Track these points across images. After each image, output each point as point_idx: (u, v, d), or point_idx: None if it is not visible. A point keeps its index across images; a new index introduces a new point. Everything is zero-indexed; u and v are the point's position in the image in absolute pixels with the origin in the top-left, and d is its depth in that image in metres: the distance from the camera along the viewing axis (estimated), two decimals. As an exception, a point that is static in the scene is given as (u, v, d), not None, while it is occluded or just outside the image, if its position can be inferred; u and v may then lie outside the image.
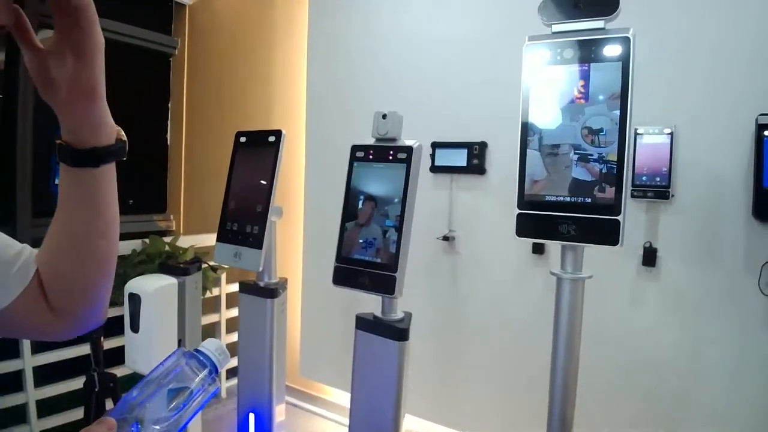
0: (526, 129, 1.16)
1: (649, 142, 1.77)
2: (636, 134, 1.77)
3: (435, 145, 2.29)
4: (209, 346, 0.64)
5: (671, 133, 1.75)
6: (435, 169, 2.30)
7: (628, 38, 1.04)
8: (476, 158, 2.20)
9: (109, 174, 0.62)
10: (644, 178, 1.79)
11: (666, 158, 1.75)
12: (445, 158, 2.28)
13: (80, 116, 0.57)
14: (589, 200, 1.09)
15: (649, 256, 1.82)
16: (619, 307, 1.91)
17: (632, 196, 1.79)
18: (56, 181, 2.13)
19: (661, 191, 1.77)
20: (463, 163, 2.23)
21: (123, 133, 0.63)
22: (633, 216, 1.84)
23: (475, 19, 2.23)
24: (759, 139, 1.60)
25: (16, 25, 0.52)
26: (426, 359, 2.34)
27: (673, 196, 1.77)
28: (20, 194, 2.78)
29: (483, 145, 2.19)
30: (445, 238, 2.29)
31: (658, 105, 1.79)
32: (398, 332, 1.41)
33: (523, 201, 1.17)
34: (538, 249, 2.08)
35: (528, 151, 1.15)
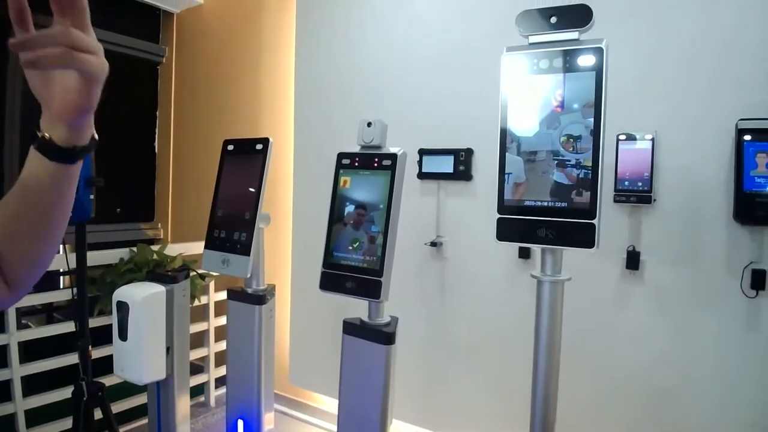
0: (505, 136, 1.18)
1: (631, 148, 1.81)
2: (618, 140, 1.80)
3: (422, 152, 2.32)
4: None
5: (653, 139, 1.78)
6: (422, 175, 2.33)
7: (601, 48, 1.07)
8: (463, 165, 2.22)
9: (77, 167, 0.65)
10: (626, 183, 1.82)
11: (648, 163, 1.78)
12: (432, 165, 2.31)
13: (73, 123, 0.59)
14: (566, 205, 1.12)
15: (633, 260, 1.85)
16: (603, 309, 1.93)
17: (615, 200, 1.83)
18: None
19: (644, 195, 1.80)
20: (449, 169, 2.26)
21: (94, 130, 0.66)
22: (616, 220, 1.87)
23: (459, 30, 2.26)
24: (739, 143, 1.63)
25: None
26: (413, 364, 2.35)
27: (655, 200, 1.81)
28: (8, 187, 2.76)
29: (469, 152, 2.22)
30: (433, 244, 2.31)
31: (639, 111, 1.83)
32: (385, 336, 1.43)
33: (503, 206, 1.20)
34: (524, 254, 2.10)
35: (508, 156, 1.18)
